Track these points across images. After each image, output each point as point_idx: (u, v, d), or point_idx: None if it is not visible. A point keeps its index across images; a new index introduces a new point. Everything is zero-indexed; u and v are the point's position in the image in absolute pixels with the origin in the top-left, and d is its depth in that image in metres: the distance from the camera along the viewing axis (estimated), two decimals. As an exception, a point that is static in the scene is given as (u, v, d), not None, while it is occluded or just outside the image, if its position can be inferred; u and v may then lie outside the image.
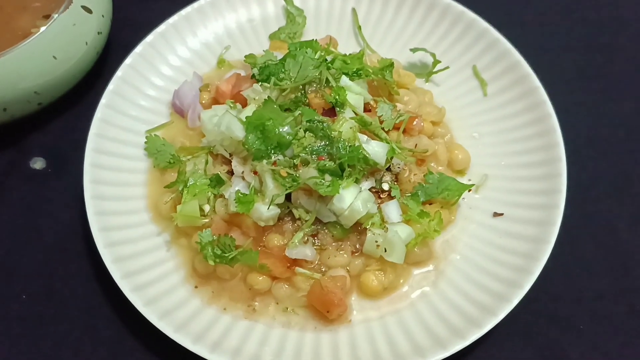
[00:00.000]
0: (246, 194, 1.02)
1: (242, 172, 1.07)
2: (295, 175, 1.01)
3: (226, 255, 1.00)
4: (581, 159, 1.22)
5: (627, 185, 1.22)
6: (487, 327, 0.97)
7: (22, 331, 1.09)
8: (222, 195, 1.08)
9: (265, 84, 1.11)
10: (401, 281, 1.07)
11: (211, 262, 1.00)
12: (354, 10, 1.37)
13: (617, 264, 1.14)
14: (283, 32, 1.35)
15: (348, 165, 1.02)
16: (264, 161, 1.03)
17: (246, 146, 1.04)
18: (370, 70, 1.15)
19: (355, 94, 1.10)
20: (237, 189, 1.05)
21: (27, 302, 1.12)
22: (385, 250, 1.03)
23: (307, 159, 1.02)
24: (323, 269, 1.06)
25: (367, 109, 1.13)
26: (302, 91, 1.10)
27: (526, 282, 1.00)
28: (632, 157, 1.25)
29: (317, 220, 1.06)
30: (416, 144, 1.13)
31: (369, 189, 1.07)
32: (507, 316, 0.98)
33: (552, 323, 1.08)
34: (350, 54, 1.17)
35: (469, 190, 1.14)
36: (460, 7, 1.29)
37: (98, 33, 1.25)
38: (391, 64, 1.15)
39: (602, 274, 1.13)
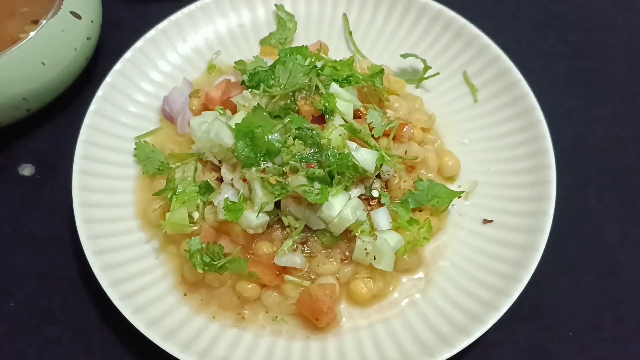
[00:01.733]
0: (235, 202, 1.01)
1: (232, 180, 1.07)
2: (285, 183, 1.01)
3: (215, 263, 1.00)
4: (571, 166, 1.22)
5: (616, 192, 1.22)
6: (476, 336, 0.97)
7: (9, 339, 1.08)
8: (211, 203, 1.08)
9: (255, 91, 1.11)
10: (390, 288, 1.07)
11: (200, 270, 1.00)
12: (344, 15, 1.36)
13: (605, 271, 1.14)
14: (274, 37, 1.34)
15: (337, 172, 1.02)
16: (253, 169, 1.03)
17: (235, 153, 1.03)
18: (360, 77, 1.14)
19: (344, 101, 1.10)
20: (226, 196, 1.05)
21: (15, 309, 1.11)
22: (375, 258, 1.03)
23: (297, 167, 1.02)
24: (312, 277, 1.06)
25: (357, 115, 1.13)
26: (292, 98, 1.10)
27: (515, 290, 1.00)
28: (622, 163, 1.26)
29: (307, 228, 1.06)
30: (406, 151, 1.13)
31: (359, 196, 1.07)
32: (495, 323, 0.98)
33: (540, 330, 1.08)
34: (340, 60, 1.17)
35: (459, 197, 1.14)
36: (451, 13, 1.29)
37: (87, 39, 1.24)
38: (381, 71, 1.15)
39: (590, 281, 1.13)
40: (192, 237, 1.02)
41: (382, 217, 1.06)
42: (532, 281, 1.02)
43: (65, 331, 1.09)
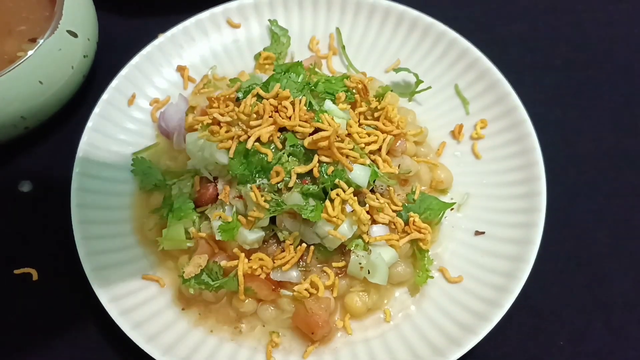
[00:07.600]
0: (229, 222, 1.03)
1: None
2: (280, 200, 1.03)
3: (212, 284, 1.02)
4: (561, 177, 1.24)
5: (606, 203, 1.24)
6: (468, 347, 0.99)
7: (8, 353, 1.10)
8: (207, 218, 1.10)
9: (250, 108, 1.12)
10: (385, 301, 1.09)
11: (191, 291, 1.02)
12: (337, 29, 1.38)
13: (596, 280, 1.16)
14: (268, 52, 1.36)
15: (331, 189, 1.04)
16: (248, 185, 1.04)
17: (230, 171, 1.05)
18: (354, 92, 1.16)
19: (338, 117, 1.11)
20: (220, 210, 1.07)
21: (13, 327, 1.13)
22: (369, 272, 1.04)
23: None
24: (308, 291, 1.07)
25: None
26: (286, 115, 1.11)
27: (506, 301, 1.02)
28: (611, 174, 1.27)
29: (302, 243, 1.07)
30: (399, 165, 1.14)
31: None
32: (488, 333, 1.00)
33: (532, 339, 1.10)
34: (333, 76, 1.18)
35: (451, 209, 1.16)
36: (442, 27, 1.31)
37: (84, 56, 1.26)
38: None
39: (581, 291, 1.15)
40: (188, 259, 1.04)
41: (379, 233, 1.07)
42: (524, 290, 1.04)
43: (64, 347, 1.11)
